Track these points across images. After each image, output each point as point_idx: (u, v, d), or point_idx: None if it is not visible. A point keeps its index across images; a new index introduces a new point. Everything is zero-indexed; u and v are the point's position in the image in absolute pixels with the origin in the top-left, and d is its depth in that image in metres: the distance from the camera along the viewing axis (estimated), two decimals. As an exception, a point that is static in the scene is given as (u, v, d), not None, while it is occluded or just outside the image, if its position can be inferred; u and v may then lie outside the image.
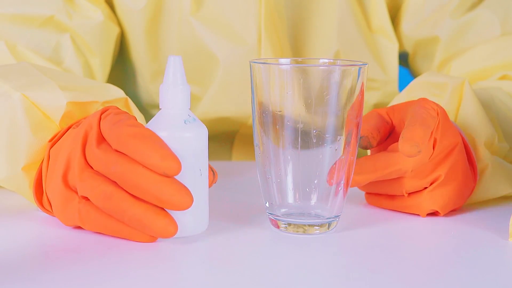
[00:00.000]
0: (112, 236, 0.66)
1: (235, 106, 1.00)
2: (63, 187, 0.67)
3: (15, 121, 0.72)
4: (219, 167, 0.73)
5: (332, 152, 0.67)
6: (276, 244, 0.66)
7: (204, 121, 0.94)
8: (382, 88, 1.04)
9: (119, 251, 0.63)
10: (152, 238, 0.65)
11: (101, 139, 0.66)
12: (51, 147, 0.70)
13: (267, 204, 0.69)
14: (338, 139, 0.66)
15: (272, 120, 0.66)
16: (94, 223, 0.66)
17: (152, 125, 0.65)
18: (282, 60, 0.71)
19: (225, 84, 0.99)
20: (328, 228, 0.68)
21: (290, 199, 0.67)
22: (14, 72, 0.77)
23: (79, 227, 0.68)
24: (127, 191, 0.63)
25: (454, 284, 0.59)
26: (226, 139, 1.06)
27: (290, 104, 0.66)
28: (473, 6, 1.01)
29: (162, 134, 0.64)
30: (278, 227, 0.69)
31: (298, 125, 0.66)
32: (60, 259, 0.62)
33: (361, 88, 0.67)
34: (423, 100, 0.74)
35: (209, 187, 0.67)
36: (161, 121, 0.65)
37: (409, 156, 0.68)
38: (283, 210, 0.68)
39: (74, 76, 0.80)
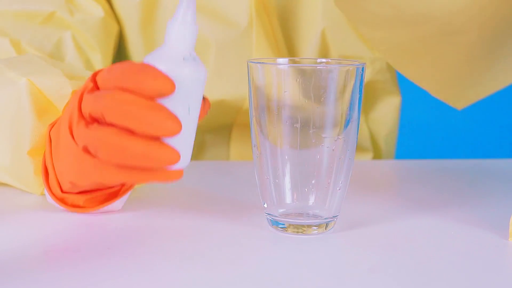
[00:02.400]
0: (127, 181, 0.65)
1: (229, 88, 1.00)
2: (73, 144, 0.66)
3: (20, 106, 0.72)
4: (217, 166, 0.73)
5: (329, 152, 0.66)
6: (274, 245, 0.66)
7: None
8: (371, 66, 1.04)
9: (119, 250, 0.64)
10: (160, 176, 0.63)
11: (95, 88, 0.65)
12: (51, 129, 0.70)
13: (265, 205, 0.69)
14: (336, 139, 0.66)
15: (270, 120, 0.66)
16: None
17: (150, 58, 0.64)
18: (280, 60, 0.71)
19: (218, 67, 0.99)
20: (326, 229, 0.68)
21: (288, 199, 0.67)
22: (21, 61, 0.79)
23: (82, 227, 0.69)
24: (121, 129, 0.62)
25: (454, 284, 0.58)
26: (223, 131, 1.06)
27: (287, 104, 0.65)
28: None
29: (159, 67, 0.63)
30: (276, 227, 0.68)
31: (295, 125, 0.66)
32: (60, 259, 0.62)
33: (360, 87, 0.66)
34: None
35: (203, 116, 0.66)
36: (159, 55, 0.64)
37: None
38: (281, 210, 0.68)
39: (78, 68, 0.80)
